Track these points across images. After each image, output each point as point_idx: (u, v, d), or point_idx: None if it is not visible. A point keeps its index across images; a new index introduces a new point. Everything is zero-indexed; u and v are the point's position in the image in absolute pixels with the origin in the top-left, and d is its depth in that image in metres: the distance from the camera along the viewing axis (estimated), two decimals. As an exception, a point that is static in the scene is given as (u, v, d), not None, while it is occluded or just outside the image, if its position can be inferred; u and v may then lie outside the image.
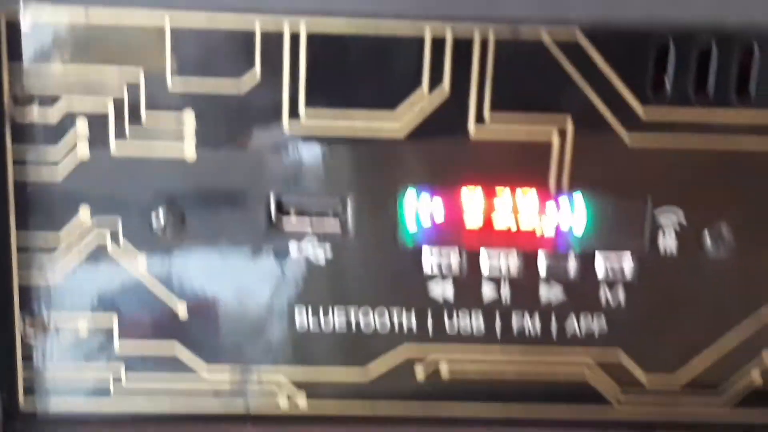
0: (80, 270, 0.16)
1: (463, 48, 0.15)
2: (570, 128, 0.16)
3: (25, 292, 0.16)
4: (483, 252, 0.16)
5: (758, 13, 0.15)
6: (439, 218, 0.16)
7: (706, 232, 0.16)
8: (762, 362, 0.17)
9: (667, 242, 0.16)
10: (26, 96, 0.15)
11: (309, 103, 0.15)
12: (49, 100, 0.15)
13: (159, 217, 0.16)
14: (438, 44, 0.15)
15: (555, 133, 0.16)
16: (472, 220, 0.16)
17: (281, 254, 0.16)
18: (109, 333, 0.17)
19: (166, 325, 0.17)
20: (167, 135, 0.15)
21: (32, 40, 0.15)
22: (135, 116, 0.15)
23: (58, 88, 0.15)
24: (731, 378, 0.17)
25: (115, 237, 0.16)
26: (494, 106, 0.15)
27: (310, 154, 0.16)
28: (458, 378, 0.17)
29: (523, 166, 0.16)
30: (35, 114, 0.15)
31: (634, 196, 0.16)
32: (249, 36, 0.15)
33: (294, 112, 0.15)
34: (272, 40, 0.15)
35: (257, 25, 0.15)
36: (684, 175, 0.16)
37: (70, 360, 0.17)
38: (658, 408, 0.18)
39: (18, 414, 0.17)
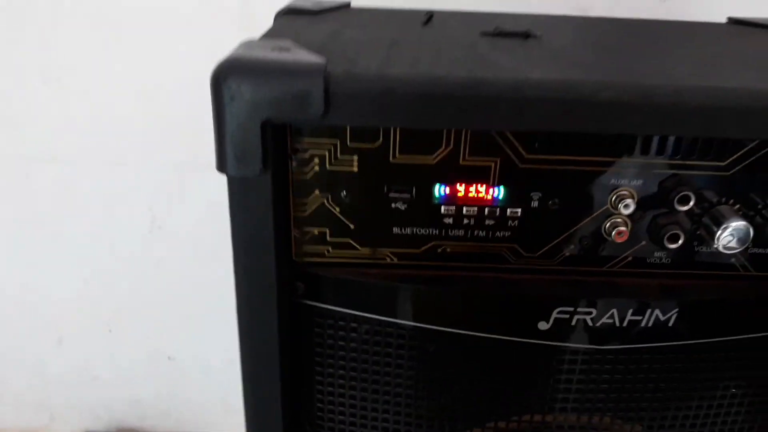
0: (323, 206, 0.41)
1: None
2: (498, 161, 0.39)
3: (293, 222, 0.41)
4: (463, 206, 0.41)
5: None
6: (444, 193, 0.41)
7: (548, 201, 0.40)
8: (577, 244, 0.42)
9: (534, 204, 0.40)
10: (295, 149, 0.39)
11: (401, 150, 0.39)
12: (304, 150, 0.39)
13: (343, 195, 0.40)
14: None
15: (492, 164, 0.39)
16: (460, 195, 0.40)
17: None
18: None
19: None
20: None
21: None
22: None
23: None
24: (560, 252, 0.42)
25: (330, 201, 0.41)
26: (470, 153, 0.39)
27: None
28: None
29: (482, 177, 0.40)
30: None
31: (524, 185, 0.40)
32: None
33: (393, 154, 0.39)
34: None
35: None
36: (540, 178, 0.40)
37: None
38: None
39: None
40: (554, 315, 0.41)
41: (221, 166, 0.36)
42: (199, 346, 0.93)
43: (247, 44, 0.37)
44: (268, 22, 0.72)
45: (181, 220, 0.84)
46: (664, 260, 0.42)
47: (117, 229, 0.85)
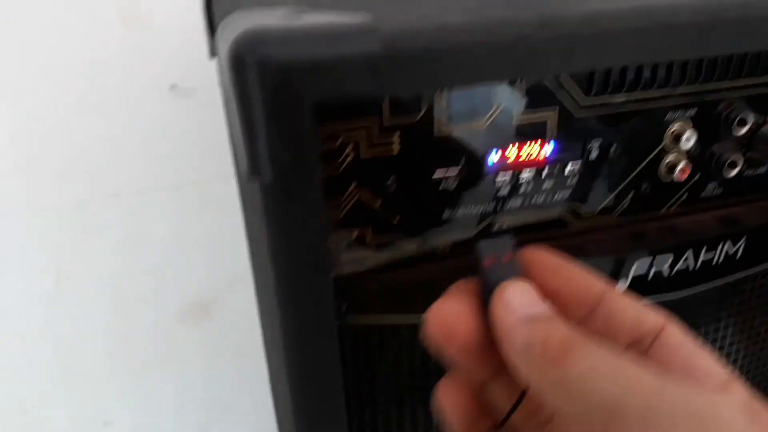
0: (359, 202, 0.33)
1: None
2: (555, 112, 0.34)
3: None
4: (518, 171, 0.35)
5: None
6: (497, 160, 0.35)
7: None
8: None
9: (592, 156, 0.36)
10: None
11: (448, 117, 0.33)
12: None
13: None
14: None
15: (548, 119, 0.34)
16: (511, 161, 0.35)
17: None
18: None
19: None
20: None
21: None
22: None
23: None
24: (619, 204, 0.38)
25: (368, 194, 0.33)
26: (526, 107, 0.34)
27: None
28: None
29: (537, 134, 0.35)
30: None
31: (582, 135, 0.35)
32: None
33: (439, 125, 0.33)
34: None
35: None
36: (599, 124, 0.35)
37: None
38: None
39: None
40: (632, 272, 0.37)
41: (255, 172, 0.27)
42: (139, 406, 0.79)
43: (252, 15, 0.29)
44: (158, 15, 0.61)
45: (90, 264, 0.71)
46: (716, 191, 0.39)
47: (16, 289, 0.70)
